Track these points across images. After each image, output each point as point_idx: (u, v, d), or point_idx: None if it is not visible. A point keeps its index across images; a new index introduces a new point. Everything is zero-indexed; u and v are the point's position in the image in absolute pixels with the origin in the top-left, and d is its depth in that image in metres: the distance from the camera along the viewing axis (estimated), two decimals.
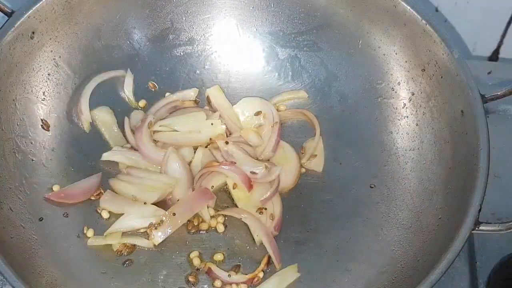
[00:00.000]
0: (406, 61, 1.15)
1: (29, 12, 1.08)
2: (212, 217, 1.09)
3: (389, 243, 1.07)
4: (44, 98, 1.14)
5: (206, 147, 1.14)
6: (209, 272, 1.05)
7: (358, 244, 1.08)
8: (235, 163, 1.11)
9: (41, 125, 1.13)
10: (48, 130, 1.14)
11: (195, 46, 1.24)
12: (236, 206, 1.11)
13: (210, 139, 1.14)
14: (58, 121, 1.15)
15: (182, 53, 1.23)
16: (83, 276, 1.03)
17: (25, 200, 1.06)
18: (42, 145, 1.13)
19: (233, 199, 1.11)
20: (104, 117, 1.17)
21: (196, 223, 1.09)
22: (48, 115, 1.14)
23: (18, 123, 1.10)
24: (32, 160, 1.11)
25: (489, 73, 1.35)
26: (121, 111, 1.18)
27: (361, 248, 1.07)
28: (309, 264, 1.06)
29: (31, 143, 1.11)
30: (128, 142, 1.15)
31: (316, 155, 1.16)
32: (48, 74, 1.14)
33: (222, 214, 1.09)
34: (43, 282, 0.99)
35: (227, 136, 1.15)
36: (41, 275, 1.00)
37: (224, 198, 1.12)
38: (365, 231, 1.09)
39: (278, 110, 1.20)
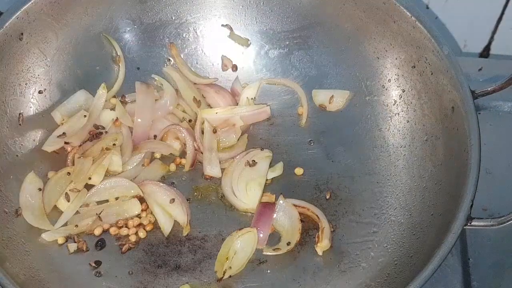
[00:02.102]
0: (397, 58, 1.15)
1: (18, 13, 1.08)
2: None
3: (382, 241, 1.07)
4: (34, 100, 1.14)
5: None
6: None
7: (351, 242, 1.08)
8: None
9: (31, 126, 1.13)
10: (39, 132, 1.13)
11: (185, 45, 1.23)
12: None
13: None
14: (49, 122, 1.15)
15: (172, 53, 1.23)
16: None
17: None
18: (32, 146, 1.12)
19: (226, 205, 1.11)
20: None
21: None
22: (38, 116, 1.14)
23: (8, 126, 1.10)
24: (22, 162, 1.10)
25: (480, 69, 1.35)
26: None
27: (354, 246, 1.07)
28: (304, 263, 1.06)
29: (21, 145, 1.11)
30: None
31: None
32: (38, 75, 1.14)
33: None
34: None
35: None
36: None
37: (220, 205, 1.12)
38: (358, 229, 1.09)
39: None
